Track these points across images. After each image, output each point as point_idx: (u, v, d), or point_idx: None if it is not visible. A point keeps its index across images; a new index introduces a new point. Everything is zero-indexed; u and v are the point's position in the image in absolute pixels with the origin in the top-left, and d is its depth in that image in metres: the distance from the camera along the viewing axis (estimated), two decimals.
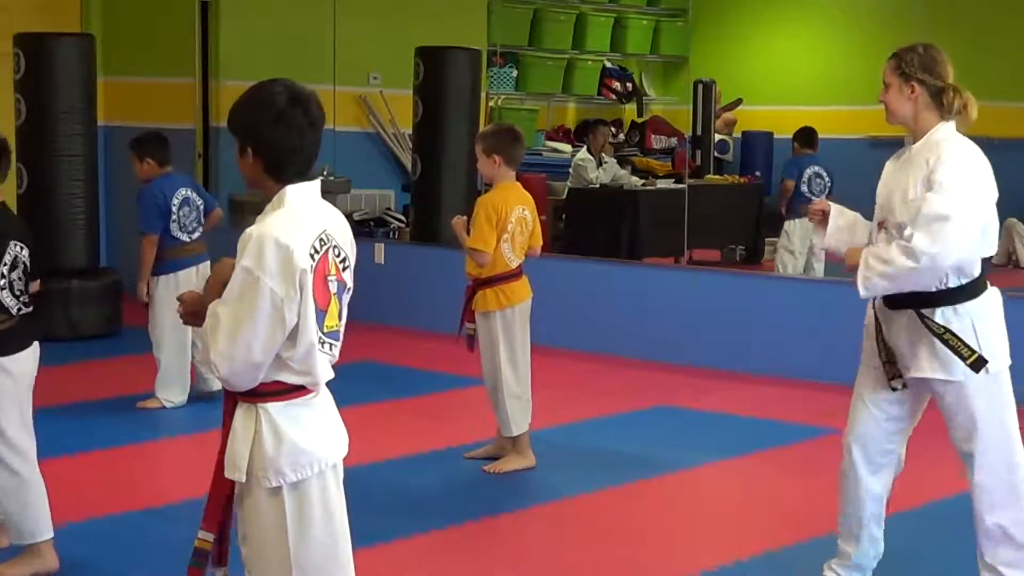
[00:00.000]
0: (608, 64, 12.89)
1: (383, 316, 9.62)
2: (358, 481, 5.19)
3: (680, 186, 10.94)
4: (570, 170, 11.53)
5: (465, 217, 6.14)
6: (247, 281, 2.91)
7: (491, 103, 11.46)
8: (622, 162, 11.75)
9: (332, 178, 10.59)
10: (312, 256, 2.96)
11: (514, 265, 6.02)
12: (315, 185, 3.08)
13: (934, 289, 4.05)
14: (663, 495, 5.90)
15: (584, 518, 5.47)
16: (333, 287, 3.02)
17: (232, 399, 3.05)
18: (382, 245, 10.15)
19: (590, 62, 12.79)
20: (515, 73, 12.28)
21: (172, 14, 11.02)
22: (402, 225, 11.25)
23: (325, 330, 3.01)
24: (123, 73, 11.20)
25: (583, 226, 10.96)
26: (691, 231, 10.21)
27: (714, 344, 8.44)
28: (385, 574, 4.62)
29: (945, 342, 4.03)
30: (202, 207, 7.27)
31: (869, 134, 10.62)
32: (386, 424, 6.66)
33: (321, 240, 2.99)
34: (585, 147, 11.62)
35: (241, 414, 3.01)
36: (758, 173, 11.97)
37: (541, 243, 6.20)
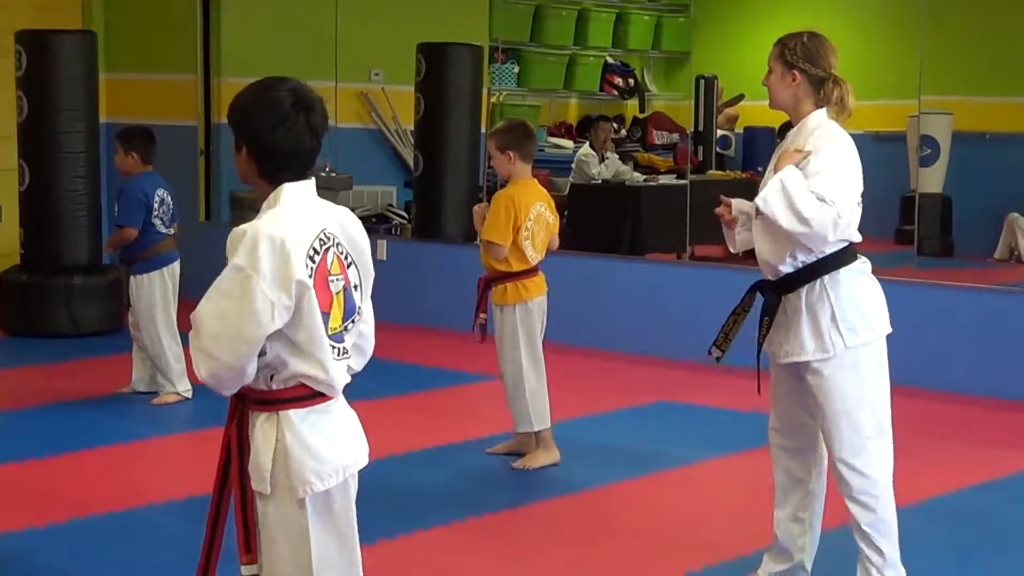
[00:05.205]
0: (610, 60, 12.85)
1: (385, 312, 9.48)
2: (360, 478, 5.18)
3: (682, 182, 10.91)
4: (572, 166, 11.51)
5: (488, 205, 6.13)
6: (238, 280, 2.81)
7: (493, 99, 11.44)
8: (624, 158, 11.72)
9: (334, 174, 10.58)
10: (312, 258, 2.87)
11: (534, 262, 6.03)
12: (311, 184, 3.00)
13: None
14: (666, 490, 5.90)
15: (586, 514, 5.47)
16: (337, 286, 2.94)
17: (241, 406, 2.97)
18: (384, 241, 10.14)
19: (592, 58, 12.76)
20: (517, 69, 12.25)
21: (174, 10, 11.01)
22: (404, 221, 11.25)
23: (329, 333, 2.93)
24: (125, 70, 11.20)
25: (585, 222, 10.93)
26: (693, 227, 10.17)
27: None
28: (388, 570, 4.62)
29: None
30: (173, 209, 7.36)
31: (873, 129, 10.59)
32: (389, 420, 6.65)
33: (321, 240, 2.91)
34: (587, 143, 11.60)
35: (261, 423, 2.94)
36: (760, 169, 11.93)
37: (558, 239, 6.23)
